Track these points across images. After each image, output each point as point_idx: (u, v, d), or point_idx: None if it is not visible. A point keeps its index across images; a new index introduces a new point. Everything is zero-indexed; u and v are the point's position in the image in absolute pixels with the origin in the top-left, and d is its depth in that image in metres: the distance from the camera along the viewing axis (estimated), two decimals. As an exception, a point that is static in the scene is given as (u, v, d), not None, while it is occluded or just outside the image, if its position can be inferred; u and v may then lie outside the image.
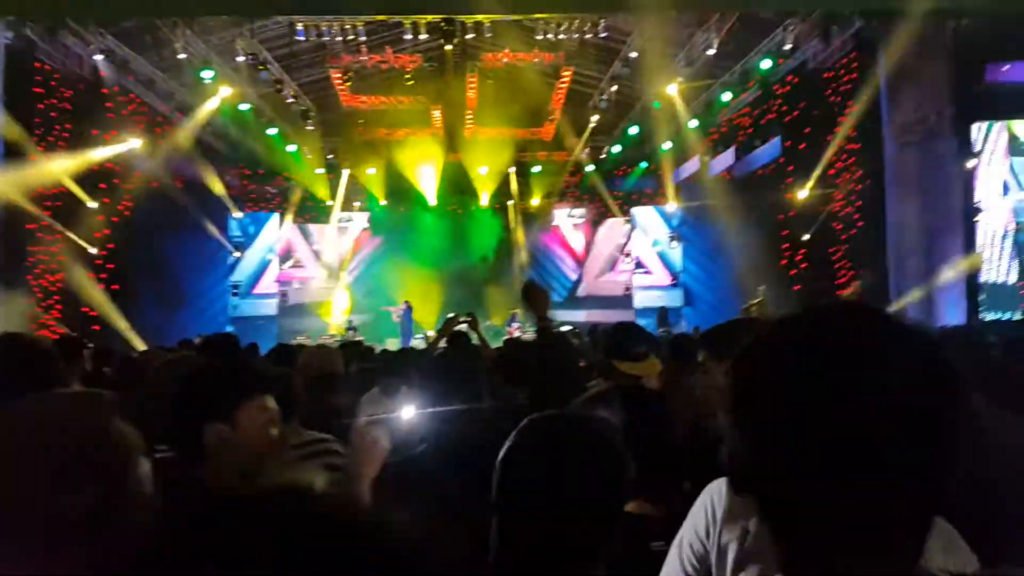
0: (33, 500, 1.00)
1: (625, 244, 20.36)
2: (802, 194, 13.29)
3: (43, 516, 0.99)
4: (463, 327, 5.59)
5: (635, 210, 20.02)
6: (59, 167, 11.64)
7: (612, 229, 20.70)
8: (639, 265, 19.67)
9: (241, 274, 18.62)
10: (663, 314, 16.58)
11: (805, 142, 13.27)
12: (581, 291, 20.67)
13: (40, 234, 11.43)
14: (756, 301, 12.40)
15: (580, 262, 20.93)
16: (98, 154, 12.72)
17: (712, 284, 17.25)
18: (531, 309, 3.70)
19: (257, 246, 18.95)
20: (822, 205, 12.98)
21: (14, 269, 10.90)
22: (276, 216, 19.38)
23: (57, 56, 12.00)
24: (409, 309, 17.92)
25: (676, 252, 18.95)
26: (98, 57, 12.59)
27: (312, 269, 20.00)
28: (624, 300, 19.67)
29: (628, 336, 3.53)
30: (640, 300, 19.19)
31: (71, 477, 1.02)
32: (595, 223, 20.97)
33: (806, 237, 13.55)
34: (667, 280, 19.09)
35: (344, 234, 20.20)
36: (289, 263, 19.73)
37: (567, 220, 21.08)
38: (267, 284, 18.93)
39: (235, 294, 18.51)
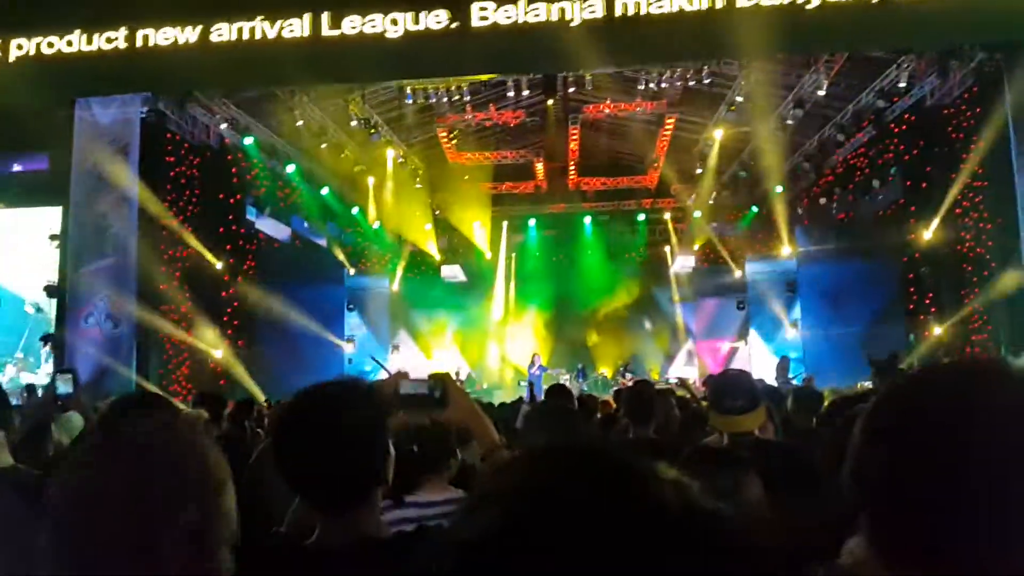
0: (144, 519, 1.07)
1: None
2: (927, 235, 12.57)
3: (154, 534, 1.07)
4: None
5: (749, 263, 19.30)
6: (188, 230, 12.44)
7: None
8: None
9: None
10: (784, 364, 15.86)
11: (927, 181, 12.63)
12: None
13: (172, 294, 12.19)
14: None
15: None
16: (223, 217, 13.55)
17: (832, 332, 16.45)
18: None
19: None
20: (950, 247, 12.23)
21: (148, 329, 11.65)
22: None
23: (186, 127, 12.94)
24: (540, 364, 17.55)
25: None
26: (223, 126, 13.50)
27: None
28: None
29: (726, 389, 3.38)
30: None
31: (177, 496, 1.10)
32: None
33: (934, 280, 12.77)
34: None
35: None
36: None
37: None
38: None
39: (349, 341, 19.01)
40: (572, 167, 18.19)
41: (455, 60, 9.22)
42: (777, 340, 18.39)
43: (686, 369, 19.12)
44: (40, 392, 10.50)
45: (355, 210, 18.25)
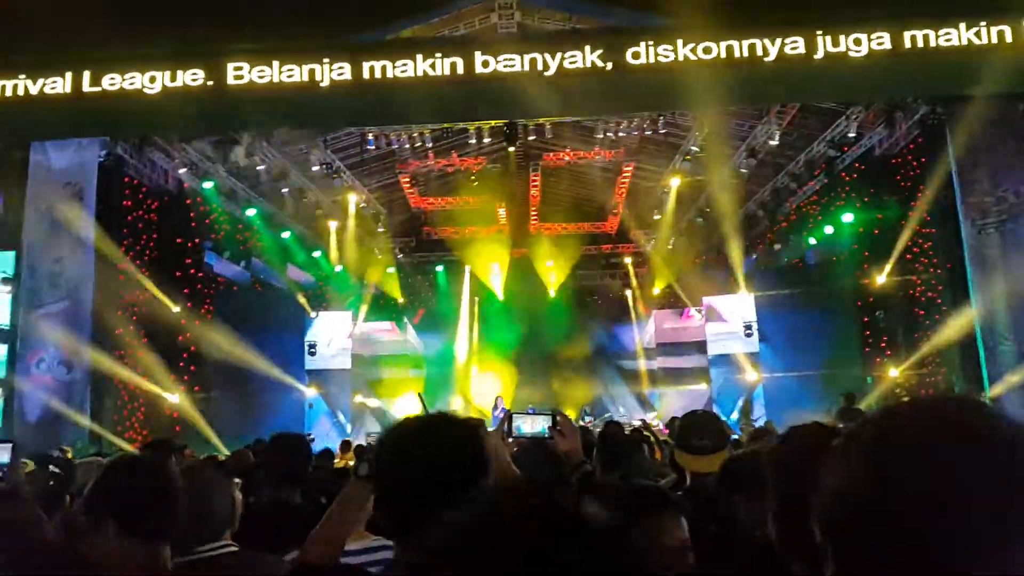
0: None
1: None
2: (880, 280, 12.94)
3: None
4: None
5: (708, 299, 19.67)
6: (145, 275, 12.23)
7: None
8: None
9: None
10: (746, 407, 16.04)
11: (878, 228, 13.02)
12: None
13: (127, 339, 11.93)
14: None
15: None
16: (181, 261, 13.36)
17: (791, 375, 16.68)
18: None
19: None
20: (902, 291, 12.60)
21: (103, 374, 11.35)
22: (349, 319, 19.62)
23: (144, 171, 12.80)
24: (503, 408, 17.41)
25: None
26: (181, 170, 13.39)
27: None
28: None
29: (694, 428, 3.40)
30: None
31: None
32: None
33: (887, 324, 13.12)
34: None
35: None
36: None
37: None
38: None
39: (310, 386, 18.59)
40: (533, 212, 18.40)
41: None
42: (738, 383, 18.56)
43: (649, 411, 19.22)
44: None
45: (317, 253, 18.13)
